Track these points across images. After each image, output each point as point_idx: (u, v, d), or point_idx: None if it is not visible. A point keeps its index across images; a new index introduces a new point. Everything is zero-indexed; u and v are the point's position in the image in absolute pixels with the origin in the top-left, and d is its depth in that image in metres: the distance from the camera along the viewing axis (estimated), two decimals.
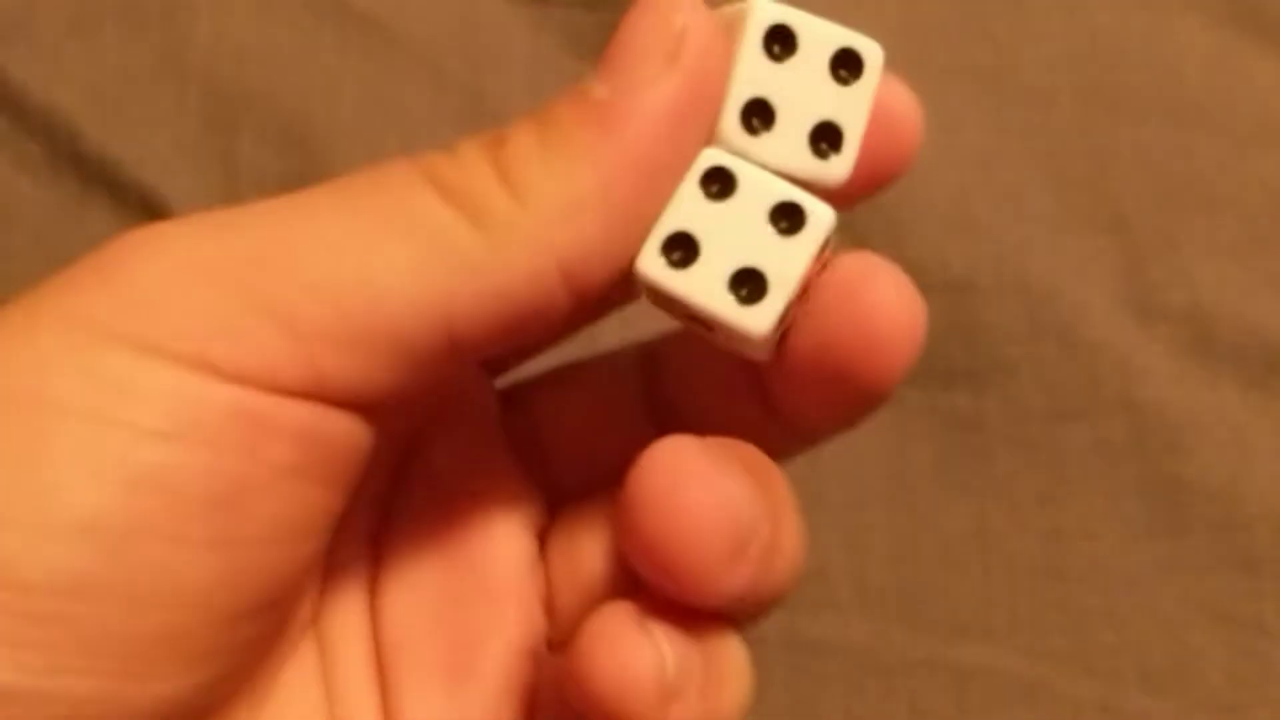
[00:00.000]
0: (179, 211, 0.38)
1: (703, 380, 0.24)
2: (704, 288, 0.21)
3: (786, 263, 0.21)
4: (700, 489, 0.20)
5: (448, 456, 0.25)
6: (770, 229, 0.21)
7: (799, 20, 0.22)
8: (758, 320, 0.21)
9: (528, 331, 0.21)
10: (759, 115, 0.22)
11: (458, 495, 0.25)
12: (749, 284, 0.21)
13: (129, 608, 0.18)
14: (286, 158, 0.39)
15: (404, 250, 0.20)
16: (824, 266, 0.22)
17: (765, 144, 0.21)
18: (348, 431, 0.20)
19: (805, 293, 0.21)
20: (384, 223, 0.20)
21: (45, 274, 0.40)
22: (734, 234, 0.21)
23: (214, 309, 0.19)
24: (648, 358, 0.26)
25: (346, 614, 0.24)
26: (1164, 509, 0.35)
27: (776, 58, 0.22)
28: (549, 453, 0.26)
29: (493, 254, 0.20)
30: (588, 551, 0.23)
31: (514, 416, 0.26)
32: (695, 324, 0.22)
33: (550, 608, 0.24)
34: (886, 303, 0.21)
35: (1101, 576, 0.35)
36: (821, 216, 0.21)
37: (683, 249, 0.21)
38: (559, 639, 0.23)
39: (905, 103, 0.22)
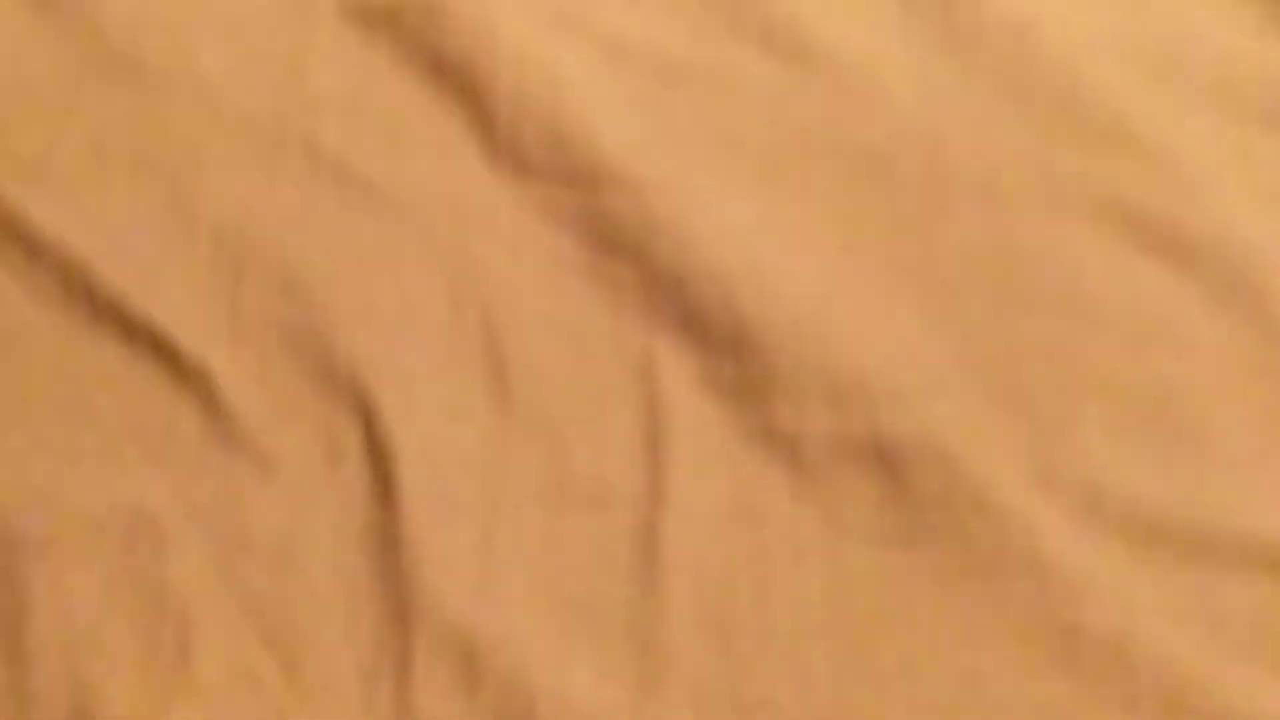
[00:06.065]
0: (188, 350, 0.41)
1: None
2: None
3: None
4: None
5: None
6: None
7: None
8: None
9: None
10: None
11: None
12: None
13: None
14: (289, 304, 0.42)
15: None
16: None
17: None
18: None
19: None
20: None
21: (58, 398, 0.42)
22: None
23: None
24: None
25: None
26: (1062, 653, 0.39)
27: None
28: None
29: None
30: None
31: None
32: None
33: None
34: None
35: (1006, 713, 0.38)
36: None
37: None
38: None
39: None
